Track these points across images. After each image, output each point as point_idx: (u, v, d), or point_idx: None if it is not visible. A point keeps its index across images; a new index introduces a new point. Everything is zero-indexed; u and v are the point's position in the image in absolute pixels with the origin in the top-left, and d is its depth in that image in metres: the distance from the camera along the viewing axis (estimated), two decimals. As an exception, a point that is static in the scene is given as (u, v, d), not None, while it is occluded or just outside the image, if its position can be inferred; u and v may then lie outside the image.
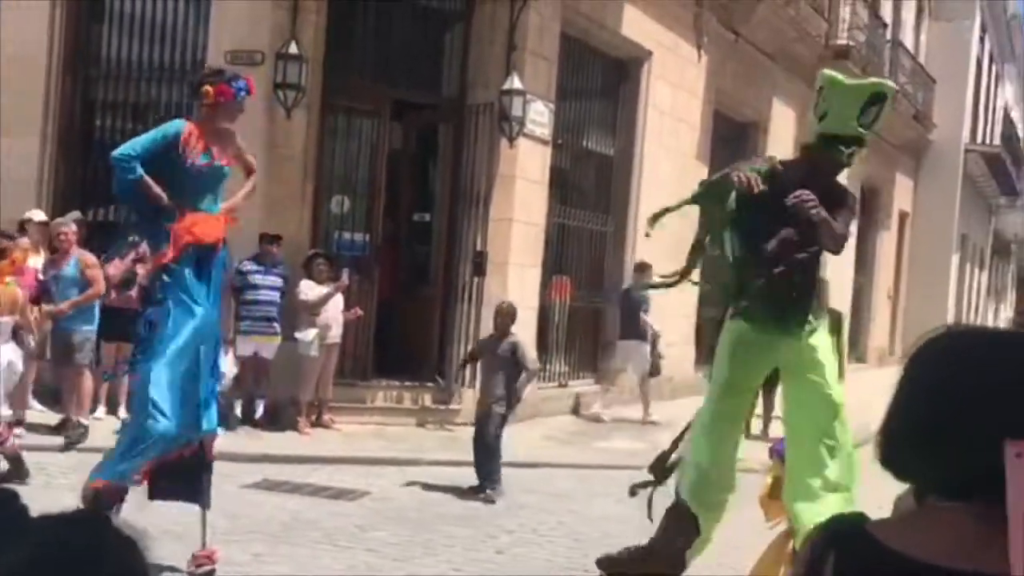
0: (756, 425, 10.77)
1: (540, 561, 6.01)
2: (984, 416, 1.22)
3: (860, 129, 4.25)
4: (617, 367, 11.67)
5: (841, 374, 4.61)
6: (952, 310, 25.36)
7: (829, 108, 4.26)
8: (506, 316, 7.81)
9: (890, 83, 4.48)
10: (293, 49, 8.86)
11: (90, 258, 8.08)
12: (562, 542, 6.44)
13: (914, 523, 1.30)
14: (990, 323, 35.20)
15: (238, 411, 8.82)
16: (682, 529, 4.59)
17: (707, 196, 4.68)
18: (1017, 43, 32.91)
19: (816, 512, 3.93)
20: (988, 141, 27.17)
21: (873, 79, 4.70)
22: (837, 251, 4.46)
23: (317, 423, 9.13)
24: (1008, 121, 30.74)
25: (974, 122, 26.16)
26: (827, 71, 4.50)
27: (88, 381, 8.06)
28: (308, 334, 8.84)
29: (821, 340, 4.44)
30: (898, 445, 1.32)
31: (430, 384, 10.06)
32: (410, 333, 10.47)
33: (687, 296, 13.76)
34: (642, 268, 10.97)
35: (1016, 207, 32.70)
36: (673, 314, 13.49)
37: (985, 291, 33.80)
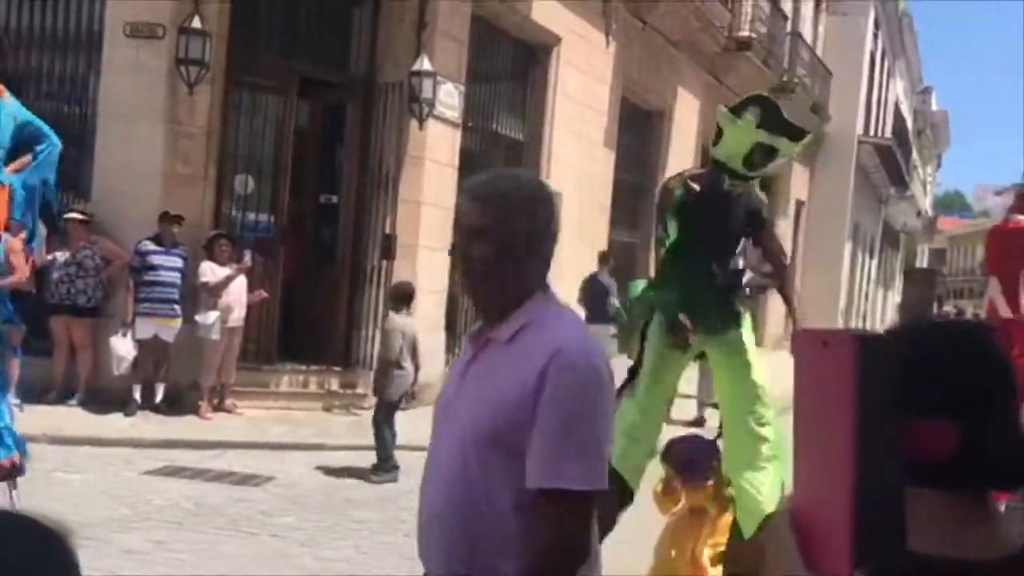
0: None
1: (449, 544, 5.99)
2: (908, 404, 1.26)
3: (744, 170, 4.51)
4: None
5: None
6: (844, 296, 26.32)
7: (724, 138, 4.53)
8: (400, 293, 7.74)
9: (786, 143, 4.50)
10: (196, 23, 8.58)
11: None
12: (471, 524, 6.44)
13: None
14: (879, 309, 36.70)
15: (137, 396, 8.55)
16: (615, 493, 4.83)
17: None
18: (907, 40, 34.26)
19: (760, 480, 4.47)
20: (880, 133, 28.22)
21: (765, 137, 4.39)
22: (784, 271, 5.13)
23: (219, 408, 8.92)
24: (899, 115, 31.99)
25: (867, 115, 27.12)
26: (723, 110, 4.62)
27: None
28: (209, 317, 8.62)
29: (743, 330, 4.81)
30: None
31: (336, 368, 9.93)
32: (316, 316, 10.31)
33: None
34: (605, 257, 12.08)
35: (905, 198, 34.08)
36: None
37: (875, 278, 35.18)
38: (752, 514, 4.43)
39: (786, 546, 0.69)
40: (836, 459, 0.67)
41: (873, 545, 0.66)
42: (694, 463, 4.40)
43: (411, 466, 7.76)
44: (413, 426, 8.32)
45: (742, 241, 4.89)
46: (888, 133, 29.04)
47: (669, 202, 4.65)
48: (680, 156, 16.30)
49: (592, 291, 11.61)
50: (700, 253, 4.66)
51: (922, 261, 58.14)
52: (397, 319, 7.68)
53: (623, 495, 4.67)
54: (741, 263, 5.10)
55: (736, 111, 4.54)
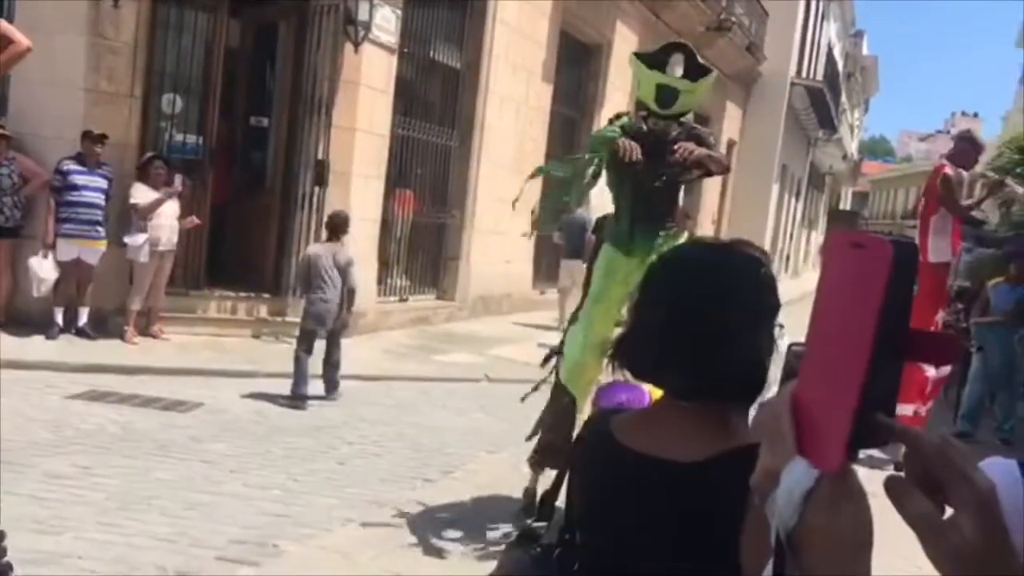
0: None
1: (380, 471, 6.03)
2: (701, 321, 1.42)
3: (657, 109, 4.99)
4: (563, 285, 12.22)
5: None
6: (770, 236, 26.80)
7: (639, 82, 5.10)
8: (338, 221, 7.72)
9: (682, 81, 4.96)
10: (121, -69, 8.18)
11: None
12: (402, 452, 6.48)
13: (647, 419, 1.53)
14: (802, 249, 37.51)
15: (59, 319, 8.32)
16: (566, 411, 5.12)
17: (593, 145, 5.39)
18: (843, -18, 34.45)
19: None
20: (812, 76, 28.51)
21: (666, 78, 4.89)
22: (725, 171, 5.43)
23: (145, 333, 8.74)
24: (831, 58, 32.32)
25: (800, 57, 27.34)
26: (634, 54, 5.18)
27: None
28: (138, 239, 8.39)
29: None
30: (637, 348, 1.52)
31: (266, 295, 9.80)
32: (246, 242, 10.14)
33: (529, 216, 13.90)
34: None
35: (832, 141, 34.64)
36: (516, 233, 13.63)
37: (800, 219, 35.86)
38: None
39: (785, 433, 0.75)
40: (850, 357, 0.69)
41: (867, 440, 0.70)
42: None
43: (350, 395, 7.80)
44: (354, 356, 8.32)
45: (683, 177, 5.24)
46: (820, 76, 29.35)
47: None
48: (617, 91, 16.24)
49: (571, 228, 11.67)
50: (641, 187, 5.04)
51: (845, 203, 59.49)
52: (316, 247, 7.69)
53: (573, 409, 5.11)
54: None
55: (653, 57, 5.06)
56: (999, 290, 9.12)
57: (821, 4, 31.03)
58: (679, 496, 1.38)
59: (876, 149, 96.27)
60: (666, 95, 4.95)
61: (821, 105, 27.92)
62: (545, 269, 15.05)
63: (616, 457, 1.47)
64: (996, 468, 1.82)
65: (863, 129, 67.05)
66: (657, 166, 4.99)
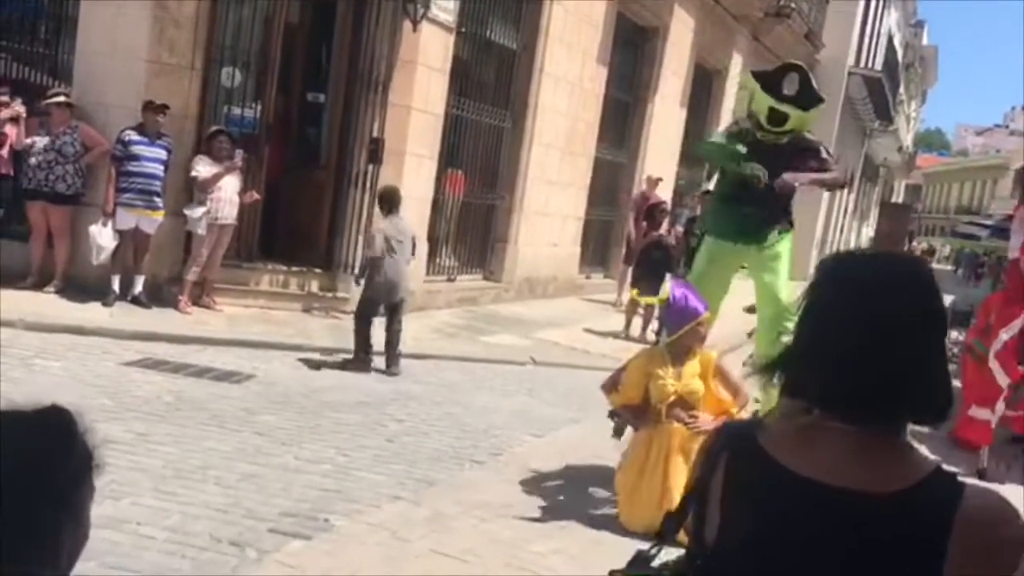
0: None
1: (428, 450, 6.08)
2: (860, 338, 1.33)
3: (769, 126, 5.64)
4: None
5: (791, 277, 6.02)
6: (820, 228, 26.44)
7: (754, 97, 5.72)
8: (391, 195, 8.00)
9: (793, 110, 5.59)
10: (188, -95, 8.24)
11: None
12: (450, 432, 6.52)
13: (801, 438, 1.39)
14: (853, 242, 36.98)
15: (116, 287, 8.47)
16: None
17: (718, 156, 6.11)
18: (905, -29, 33.71)
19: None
20: (871, 65, 27.98)
21: (778, 104, 5.56)
22: (841, 187, 6.76)
23: (198, 303, 8.87)
24: (890, 47, 31.69)
25: (859, 46, 26.83)
26: (751, 72, 6.10)
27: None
28: (196, 211, 8.51)
29: (781, 250, 5.92)
30: (791, 364, 1.43)
31: (317, 270, 9.88)
32: (299, 217, 10.22)
33: (579, 199, 13.91)
34: (656, 181, 13.53)
35: (888, 132, 34.02)
36: (565, 216, 13.63)
37: (852, 211, 35.34)
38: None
39: None
40: None
41: None
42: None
43: (405, 372, 7.89)
44: (403, 334, 8.41)
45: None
46: (878, 65, 28.79)
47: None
48: (672, 76, 16.10)
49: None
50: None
51: (898, 196, 58.48)
52: (381, 222, 7.85)
53: None
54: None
55: (766, 80, 5.71)
56: None
57: (883, -8, 30.41)
58: (874, 530, 1.28)
59: (931, 142, 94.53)
60: (777, 118, 5.58)
61: (879, 95, 27.41)
62: (591, 253, 15.01)
63: (781, 481, 1.36)
64: None
65: (919, 121, 65.85)
66: (769, 159, 5.55)
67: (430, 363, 8.57)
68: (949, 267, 46.44)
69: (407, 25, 9.61)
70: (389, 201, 7.97)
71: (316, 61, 10.62)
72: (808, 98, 5.70)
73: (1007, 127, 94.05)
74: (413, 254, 8.06)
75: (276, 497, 4.87)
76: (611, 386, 5.29)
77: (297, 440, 5.86)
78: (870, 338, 1.32)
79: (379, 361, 7.93)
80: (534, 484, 5.65)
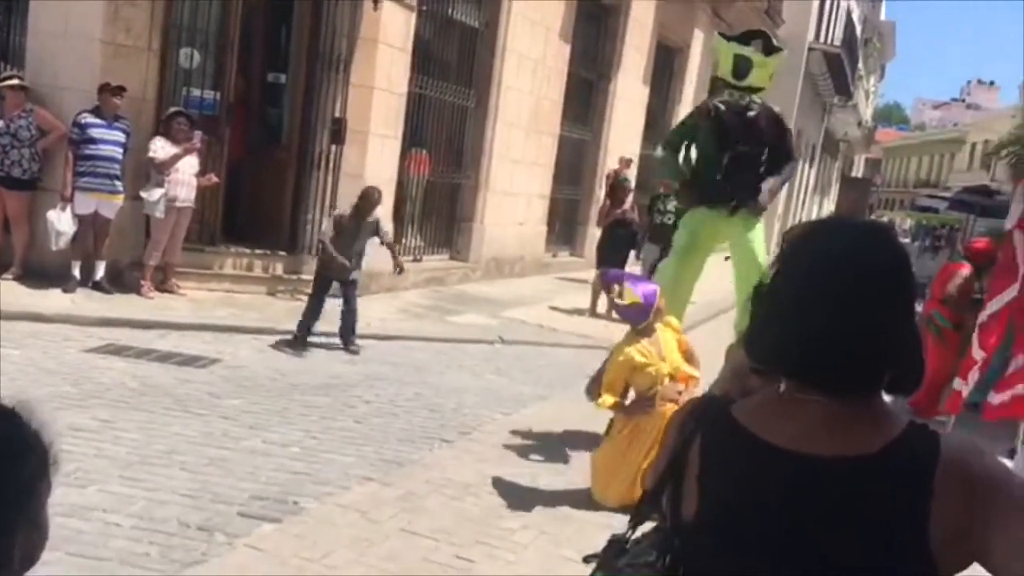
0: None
1: (397, 431, 6.06)
2: (874, 309, 1.32)
3: (734, 80, 5.97)
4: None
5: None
6: (783, 202, 26.65)
7: (720, 60, 6.04)
8: (370, 202, 7.95)
9: (756, 54, 5.94)
10: None
11: None
12: (420, 413, 6.51)
13: (776, 410, 1.38)
14: (814, 216, 37.31)
15: (76, 272, 8.34)
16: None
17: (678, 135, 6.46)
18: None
19: None
20: (830, 41, 28.16)
21: (742, 49, 5.93)
22: (793, 176, 6.68)
23: (161, 288, 8.77)
24: (850, 22, 31.90)
25: (819, 21, 26.98)
26: (719, 34, 6.46)
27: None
28: (154, 194, 8.38)
29: (757, 222, 6.26)
30: (762, 335, 1.41)
31: (281, 253, 9.80)
32: (262, 199, 10.11)
33: (544, 178, 13.90)
34: (627, 162, 13.79)
35: (847, 107, 34.31)
36: (530, 194, 13.61)
37: (812, 187, 35.66)
38: None
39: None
40: None
41: None
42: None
43: (366, 354, 7.85)
44: (370, 315, 8.37)
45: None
46: (838, 41, 28.98)
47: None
48: (635, 53, 16.09)
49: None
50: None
51: (858, 171, 59.09)
52: (343, 210, 7.94)
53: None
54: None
55: (734, 38, 6.08)
56: None
57: (841, -33, 30.58)
58: (857, 490, 1.28)
59: (890, 116, 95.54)
60: (741, 66, 5.86)
61: (838, 71, 27.63)
62: (558, 232, 15.03)
63: (759, 453, 1.35)
64: None
65: (878, 96, 66.49)
66: (739, 138, 5.90)
67: (398, 344, 8.54)
68: (906, 240, 47.06)
69: (367, 4, 9.52)
70: (361, 204, 8.00)
71: (276, 41, 10.49)
72: (770, 51, 6.13)
73: (964, 101, 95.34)
74: (381, 241, 8.12)
75: (244, 481, 4.84)
76: (596, 389, 5.18)
77: (264, 424, 5.82)
78: (842, 307, 1.31)
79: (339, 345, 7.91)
80: (504, 461, 5.67)
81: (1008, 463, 5.55)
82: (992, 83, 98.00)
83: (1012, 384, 7.07)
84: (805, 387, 1.35)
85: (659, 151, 6.81)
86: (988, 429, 7.06)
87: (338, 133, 9.66)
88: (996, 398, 7.17)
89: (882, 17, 47.95)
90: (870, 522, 1.27)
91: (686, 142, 6.35)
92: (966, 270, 8.80)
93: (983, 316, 7.37)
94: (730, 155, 6.00)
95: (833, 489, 1.30)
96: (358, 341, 7.98)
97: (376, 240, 8.12)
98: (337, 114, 9.69)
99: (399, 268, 8.41)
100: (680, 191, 6.95)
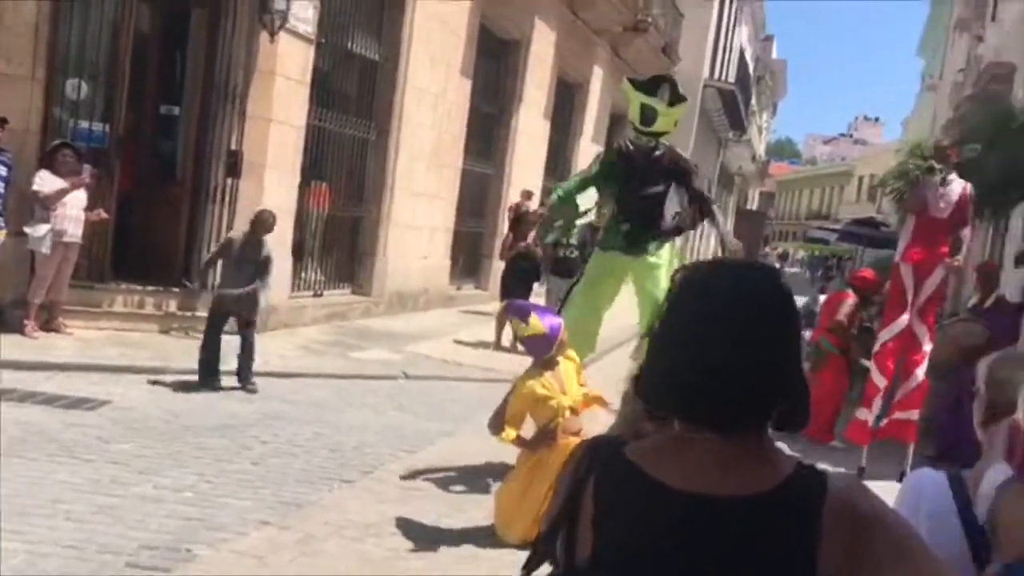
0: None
1: (296, 471, 5.89)
2: (705, 350, 1.34)
3: (641, 127, 6.24)
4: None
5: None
6: (681, 237, 27.22)
7: (630, 103, 6.31)
8: (264, 226, 7.78)
9: (660, 104, 6.17)
10: (24, -94, 7.80)
11: None
12: (319, 452, 6.35)
13: (669, 450, 1.40)
14: (711, 248, 38.26)
15: (-47, 312, 7.91)
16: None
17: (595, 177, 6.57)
18: (754, -13, 35.23)
19: None
20: (724, 78, 29.07)
21: (648, 99, 6.19)
22: (711, 214, 6.65)
23: (47, 327, 8.38)
24: (743, 61, 33.03)
25: (713, 59, 27.84)
26: (627, 79, 6.65)
27: None
28: (39, 229, 8.03)
29: (660, 260, 6.35)
30: (653, 376, 1.42)
31: (175, 289, 9.50)
32: (154, 234, 9.80)
33: (447, 211, 13.88)
34: (528, 194, 13.42)
35: (742, 142, 35.41)
36: (434, 228, 13.57)
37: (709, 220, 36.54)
38: None
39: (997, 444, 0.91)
40: None
41: None
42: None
43: (264, 393, 7.63)
44: (268, 352, 8.15)
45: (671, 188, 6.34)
46: (731, 78, 29.93)
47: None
48: (536, 88, 16.28)
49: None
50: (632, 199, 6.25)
51: (753, 203, 60.91)
52: (237, 233, 7.70)
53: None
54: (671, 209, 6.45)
55: (640, 85, 6.38)
56: None
57: (734, 8, 31.67)
58: (749, 531, 1.30)
59: (783, 151, 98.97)
60: (647, 114, 6.14)
61: (732, 107, 28.51)
62: (462, 265, 15.00)
63: (653, 495, 1.35)
64: (925, 479, 1.86)
65: (771, 131, 68.84)
66: (645, 177, 6.13)
67: (298, 381, 8.34)
68: (798, 270, 48.62)
69: (264, 35, 9.38)
70: (256, 224, 7.79)
71: (170, 72, 10.24)
72: (674, 99, 6.39)
73: (851, 136, 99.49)
74: (268, 273, 7.83)
75: (134, 529, 4.62)
76: (499, 424, 5.10)
77: (156, 468, 5.58)
78: (731, 346, 1.33)
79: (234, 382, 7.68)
80: (407, 501, 5.56)
81: (898, 485, 5.71)
82: (877, 119, 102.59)
83: (904, 408, 7.33)
84: (697, 426, 1.36)
85: (556, 193, 6.77)
86: (880, 454, 7.28)
87: (234, 166, 9.46)
88: (886, 419, 7.43)
89: (774, 56, 49.77)
90: (765, 562, 1.29)
91: (594, 183, 6.54)
92: (851, 299, 9.12)
93: (877, 346, 7.63)
94: (637, 194, 6.18)
95: (728, 529, 1.31)
96: (255, 379, 7.75)
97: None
98: (233, 147, 9.50)
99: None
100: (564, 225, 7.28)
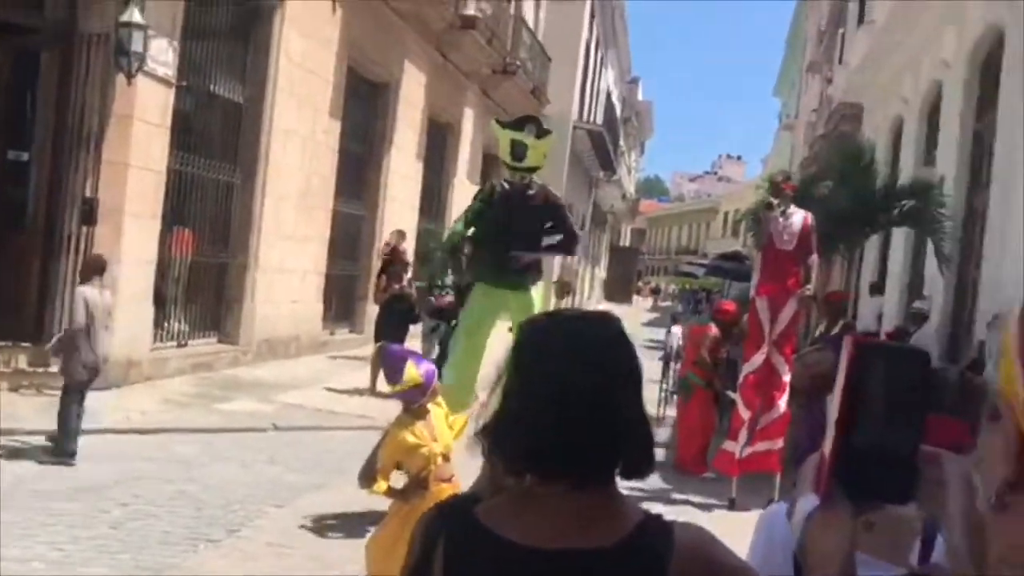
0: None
1: (158, 534, 5.60)
2: (595, 400, 1.35)
3: (513, 163, 6.36)
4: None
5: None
6: (557, 272, 27.57)
7: (500, 143, 6.43)
8: (96, 266, 7.40)
9: (529, 137, 6.29)
10: None
11: None
12: (183, 512, 6.05)
13: (518, 506, 1.39)
14: (587, 285, 38.90)
15: None
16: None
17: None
18: (619, 30, 36.36)
19: None
20: (593, 120, 29.76)
21: (517, 134, 6.32)
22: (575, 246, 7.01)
23: None
24: (610, 102, 33.93)
25: (581, 101, 28.48)
26: (495, 120, 6.93)
27: None
28: None
29: (535, 297, 6.54)
30: (500, 429, 1.41)
31: (25, 344, 8.96)
32: (2, 286, 9.25)
33: (319, 254, 13.65)
34: (402, 234, 13.16)
35: (612, 181, 36.27)
36: (305, 271, 13.31)
37: (584, 256, 37.18)
38: None
39: (807, 473, 1.10)
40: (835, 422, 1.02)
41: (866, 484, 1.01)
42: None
43: (124, 452, 7.23)
44: (128, 408, 7.75)
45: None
46: (600, 120, 30.68)
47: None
48: (407, 129, 16.27)
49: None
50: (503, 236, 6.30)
51: (626, 240, 62.40)
52: (88, 289, 7.20)
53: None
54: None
55: (507, 124, 6.56)
56: None
57: (600, 51, 32.55)
58: None
59: (652, 189, 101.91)
60: (518, 149, 6.29)
61: (601, 147, 29.17)
62: (335, 309, 14.74)
63: (501, 554, 1.34)
64: (776, 513, 1.87)
65: (640, 170, 70.84)
66: (521, 214, 6.25)
67: (161, 437, 7.96)
68: (670, 303, 49.94)
69: (120, 78, 9.05)
70: (94, 268, 7.36)
71: (19, 116, 9.74)
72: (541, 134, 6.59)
73: (716, 173, 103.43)
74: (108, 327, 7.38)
75: (-28, 609, 4.27)
76: (370, 476, 4.96)
77: (2, 539, 5.19)
78: (573, 400, 1.34)
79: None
80: (277, 558, 5.36)
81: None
82: (739, 157, 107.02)
83: (766, 438, 7.52)
84: (546, 480, 1.36)
85: (455, 229, 6.87)
86: (750, 485, 7.44)
87: (89, 213, 9.05)
88: (749, 449, 7.61)
89: (640, 97, 51.32)
90: None
91: (472, 221, 6.60)
92: (713, 331, 9.37)
93: (741, 378, 7.84)
94: (514, 230, 6.29)
95: None
96: (111, 437, 7.26)
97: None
98: (88, 193, 9.10)
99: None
100: (454, 263, 7.24)
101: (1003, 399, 0.87)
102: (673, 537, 1.34)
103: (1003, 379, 0.87)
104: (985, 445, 0.97)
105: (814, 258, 7.56)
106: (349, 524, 5.99)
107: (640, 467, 1.40)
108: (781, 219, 7.45)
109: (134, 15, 8.85)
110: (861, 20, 17.73)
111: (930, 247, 11.10)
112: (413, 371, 4.84)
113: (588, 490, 1.35)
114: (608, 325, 1.44)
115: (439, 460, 4.80)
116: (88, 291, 7.17)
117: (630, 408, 1.39)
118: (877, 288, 14.70)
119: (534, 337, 1.44)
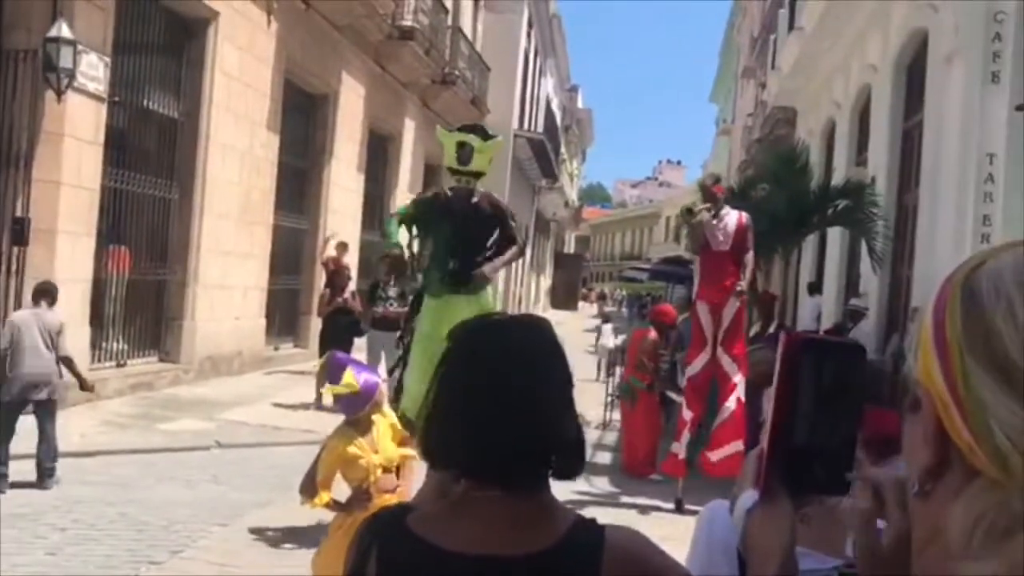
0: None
1: (99, 558, 5.48)
2: (522, 403, 1.36)
3: (457, 165, 6.26)
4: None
5: None
6: (502, 281, 27.62)
7: (445, 149, 6.35)
8: (48, 295, 7.25)
9: (475, 138, 6.23)
10: None
11: None
12: (124, 535, 5.93)
13: (451, 512, 1.40)
14: (532, 292, 39.01)
15: None
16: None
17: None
18: (557, 39, 36.60)
19: None
20: (533, 128, 29.90)
21: (463, 136, 6.29)
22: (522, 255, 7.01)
23: None
24: (549, 111, 34.11)
25: (522, 110, 28.61)
26: (439, 127, 6.79)
27: None
28: None
29: (485, 302, 6.42)
30: (433, 434, 1.42)
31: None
32: (-69, 310, 8.99)
33: (260, 269, 13.50)
34: (344, 246, 12.78)
35: (554, 189, 36.42)
36: (246, 287, 13.15)
37: (528, 264, 37.29)
38: None
39: (749, 468, 1.05)
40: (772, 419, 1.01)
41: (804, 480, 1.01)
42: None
43: (62, 476, 7.05)
44: (66, 430, 7.56)
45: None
46: (540, 128, 30.82)
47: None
48: (347, 141, 16.19)
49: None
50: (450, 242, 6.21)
51: (570, 247, 62.73)
52: (22, 313, 7.05)
53: None
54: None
55: (453, 129, 6.48)
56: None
57: (539, 60, 32.73)
58: None
59: (594, 196, 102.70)
60: (464, 152, 6.23)
61: (542, 155, 29.29)
62: (279, 324, 14.59)
63: (431, 561, 1.33)
64: (717, 509, 1.90)
65: (582, 177, 71.31)
66: (466, 221, 6.19)
67: (100, 460, 7.80)
68: (614, 308, 50.31)
69: (50, 95, 8.88)
70: (39, 292, 7.22)
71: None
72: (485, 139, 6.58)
73: (657, 179, 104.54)
74: (58, 349, 7.03)
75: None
76: (310, 490, 4.90)
77: (-69, 570, 5.05)
78: (504, 404, 1.34)
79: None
80: (221, 579, 5.26)
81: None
82: (679, 162, 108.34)
83: (724, 440, 7.60)
84: (480, 484, 1.37)
85: (389, 227, 6.73)
86: (698, 485, 7.51)
87: (20, 233, 8.85)
88: (713, 455, 7.67)
89: (580, 105, 51.69)
90: None
91: (415, 225, 6.50)
92: (652, 334, 9.46)
93: (684, 381, 7.92)
94: (459, 238, 6.24)
95: None
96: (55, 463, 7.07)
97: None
98: (19, 213, 8.90)
99: (87, 386, 7.45)
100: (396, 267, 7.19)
101: (922, 389, 0.89)
102: (604, 540, 1.34)
103: (921, 370, 0.89)
104: (906, 435, 0.99)
105: (750, 256, 7.63)
106: (295, 540, 5.93)
107: (570, 469, 1.41)
108: (715, 221, 7.54)
109: (62, 30, 8.70)
110: (792, 26, 18.07)
111: (864, 246, 11.34)
112: (351, 377, 4.79)
113: (521, 495, 1.36)
114: (538, 329, 1.45)
115: (379, 472, 4.77)
116: (18, 314, 7.03)
117: (561, 411, 1.39)
118: (815, 287, 14.98)
119: (465, 342, 1.44)
